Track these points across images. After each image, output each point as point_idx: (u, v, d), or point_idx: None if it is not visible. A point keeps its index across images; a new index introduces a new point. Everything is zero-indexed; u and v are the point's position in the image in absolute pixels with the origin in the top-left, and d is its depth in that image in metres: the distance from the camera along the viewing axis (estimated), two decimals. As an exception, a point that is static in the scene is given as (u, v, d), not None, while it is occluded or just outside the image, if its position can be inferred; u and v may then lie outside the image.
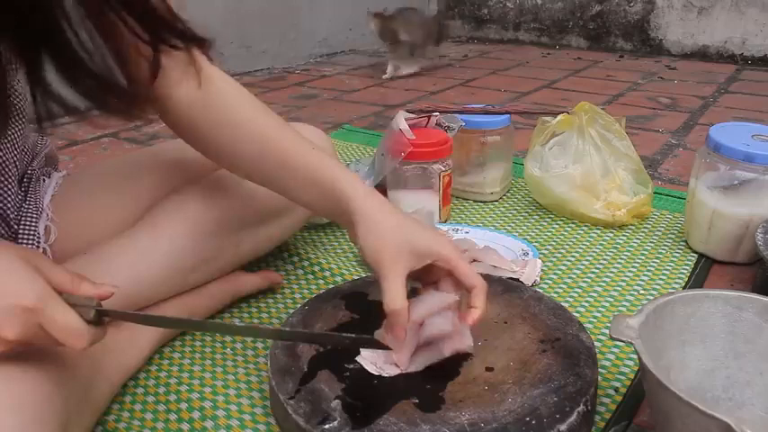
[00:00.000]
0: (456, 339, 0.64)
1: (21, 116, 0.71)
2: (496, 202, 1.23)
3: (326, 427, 0.57)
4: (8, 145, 0.70)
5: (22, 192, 0.75)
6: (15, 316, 0.49)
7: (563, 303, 0.79)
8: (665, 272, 0.96)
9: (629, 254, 1.01)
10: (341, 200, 0.65)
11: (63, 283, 0.53)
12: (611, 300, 0.89)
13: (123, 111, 0.59)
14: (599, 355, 0.71)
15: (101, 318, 0.54)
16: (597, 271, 0.96)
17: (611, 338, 0.59)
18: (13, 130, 0.70)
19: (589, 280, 0.94)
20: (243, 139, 0.69)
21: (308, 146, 0.69)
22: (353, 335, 0.63)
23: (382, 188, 1.13)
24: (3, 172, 0.69)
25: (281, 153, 0.68)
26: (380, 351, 0.64)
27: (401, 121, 1.08)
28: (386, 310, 0.60)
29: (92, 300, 0.54)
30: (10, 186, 0.71)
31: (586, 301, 0.88)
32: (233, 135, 0.69)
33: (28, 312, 0.49)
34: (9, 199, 0.71)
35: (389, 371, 0.64)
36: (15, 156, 0.72)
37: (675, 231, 1.09)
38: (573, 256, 1.01)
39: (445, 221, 1.13)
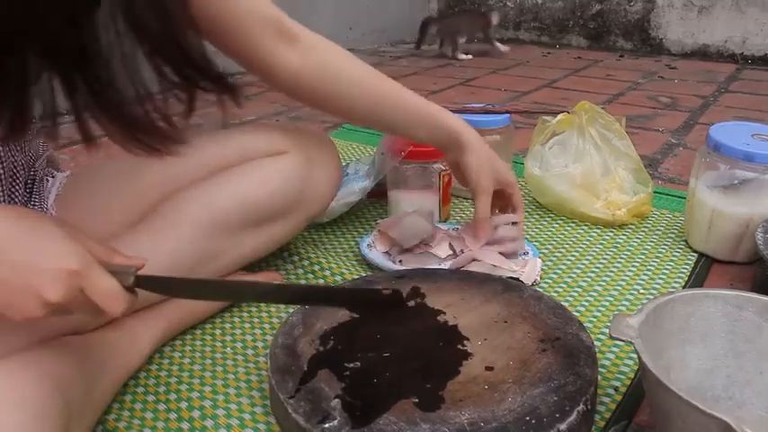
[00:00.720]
0: (518, 243, 0.96)
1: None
2: (496, 202, 1.23)
3: (326, 426, 0.57)
4: (17, 148, 0.70)
5: (26, 192, 0.75)
6: (59, 279, 0.50)
7: (563, 303, 0.79)
8: (664, 271, 0.96)
9: (629, 253, 1.01)
10: (451, 133, 0.88)
11: (99, 253, 0.55)
12: (611, 299, 0.89)
13: (149, 149, 0.59)
14: (599, 355, 0.71)
15: (136, 285, 0.56)
16: (597, 270, 0.96)
17: (611, 338, 0.59)
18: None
19: (589, 279, 0.94)
20: (356, 96, 0.84)
21: (409, 91, 0.87)
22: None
23: (382, 188, 1.13)
24: (12, 174, 0.70)
25: (393, 101, 0.86)
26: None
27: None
28: (474, 218, 0.93)
29: (129, 268, 0.56)
30: (18, 188, 0.71)
31: (586, 301, 0.88)
32: (347, 95, 0.83)
33: (72, 275, 0.51)
34: (17, 200, 0.71)
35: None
36: (23, 157, 0.72)
37: (675, 231, 1.09)
38: (573, 256, 1.01)
39: (445, 220, 1.13)
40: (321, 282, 0.94)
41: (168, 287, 0.63)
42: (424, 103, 0.87)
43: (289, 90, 0.81)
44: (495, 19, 2.89)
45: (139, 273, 0.57)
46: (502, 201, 0.95)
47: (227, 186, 0.80)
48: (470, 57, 2.90)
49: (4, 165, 0.65)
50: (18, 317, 0.50)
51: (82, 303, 0.52)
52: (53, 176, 0.81)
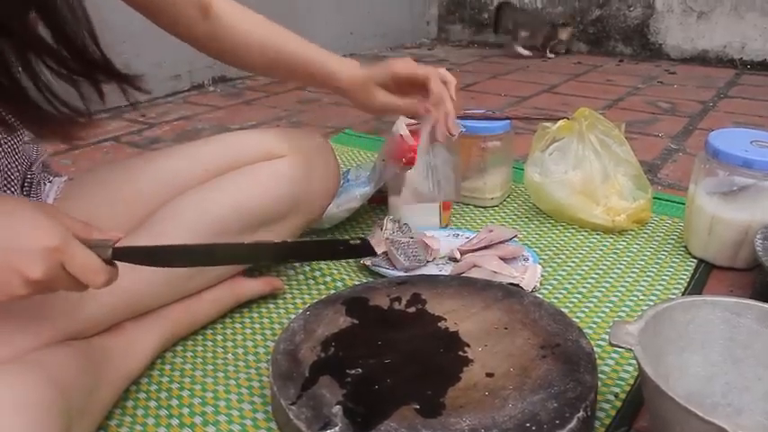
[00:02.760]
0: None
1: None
2: (497, 208, 1.23)
3: (328, 432, 0.58)
4: (10, 150, 0.71)
5: (23, 196, 0.75)
6: (39, 257, 0.52)
7: (563, 309, 0.79)
8: (664, 277, 0.96)
9: (628, 259, 1.02)
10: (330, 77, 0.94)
11: (77, 230, 0.57)
12: (611, 305, 0.89)
13: (59, 137, 0.60)
14: (599, 361, 0.71)
15: (114, 258, 0.58)
16: (597, 276, 0.97)
17: (611, 345, 0.59)
18: (15, 137, 0.71)
19: (589, 285, 0.94)
20: (256, 55, 0.93)
21: (300, 41, 0.96)
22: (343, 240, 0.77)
23: (383, 194, 1.13)
24: (6, 176, 0.70)
25: (288, 59, 0.94)
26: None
27: (402, 126, 1.08)
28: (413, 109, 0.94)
29: (107, 241, 0.58)
30: (13, 190, 0.71)
31: (586, 307, 0.89)
32: (247, 55, 0.93)
33: (51, 252, 0.53)
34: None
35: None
36: (17, 160, 0.72)
37: (675, 237, 1.10)
38: (573, 262, 1.01)
39: (445, 227, 1.13)
40: (322, 288, 0.94)
41: (147, 256, 0.63)
42: (318, 55, 0.96)
43: (200, 49, 0.91)
44: (564, 34, 2.94)
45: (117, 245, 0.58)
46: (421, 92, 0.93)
47: (225, 191, 0.80)
48: (530, 54, 2.94)
49: None
50: (2, 297, 0.53)
51: (64, 279, 0.54)
52: (50, 181, 0.81)
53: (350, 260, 1.02)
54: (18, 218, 0.54)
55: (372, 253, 0.66)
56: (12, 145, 0.71)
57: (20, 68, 0.54)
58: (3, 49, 0.52)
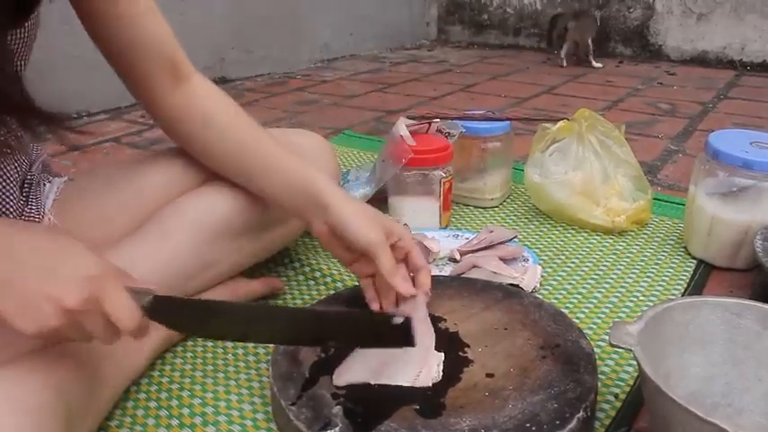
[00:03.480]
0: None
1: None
2: (497, 208, 1.23)
3: (328, 432, 0.57)
4: (8, 153, 0.70)
5: (23, 197, 0.75)
6: (78, 285, 0.51)
7: (563, 309, 0.79)
8: (664, 278, 0.96)
9: (628, 260, 1.02)
10: (319, 197, 0.73)
11: (115, 273, 0.55)
12: (611, 306, 0.89)
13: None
14: (599, 362, 0.71)
15: (150, 308, 0.55)
16: (597, 277, 0.97)
17: (611, 345, 0.59)
18: (12, 135, 0.71)
19: (589, 286, 0.94)
20: (230, 152, 0.78)
21: (284, 149, 0.78)
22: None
23: (383, 195, 1.13)
24: (5, 177, 0.70)
25: (260, 156, 0.78)
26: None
27: (402, 127, 1.08)
28: (387, 275, 0.70)
29: (145, 290, 0.56)
30: (12, 191, 0.71)
31: (586, 308, 0.89)
32: (220, 149, 0.78)
33: (91, 282, 0.51)
34: (11, 203, 0.71)
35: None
36: (16, 160, 0.72)
37: (675, 237, 1.10)
38: (573, 263, 1.01)
39: (445, 227, 1.13)
40: (322, 288, 0.94)
41: (186, 309, 0.61)
42: (295, 163, 0.77)
43: (166, 129, 0.80)
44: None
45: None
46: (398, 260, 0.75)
47: (225, 192, 0.80)
48: (602, 66, 2.77)
49: None
50: (31, 326, 0.50)
51: (95, 318, 0.52)
52: (50, 181, 0.81)
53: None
54: (59, 246, 0.54)
55: (410, 341, 0.62)
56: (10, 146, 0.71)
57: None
58: None
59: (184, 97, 0.77)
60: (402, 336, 0.62)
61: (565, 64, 2.78)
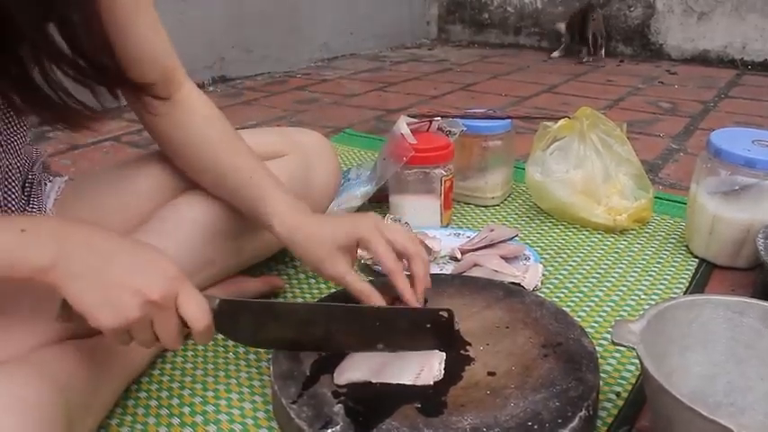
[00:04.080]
0: None
1: (23, 124, 0.72)
2: (498, 207, 1.23)
3: (329, 431, 0.57)
4: (12, 151, 0.70)
5: (24, 196, 0.75)
6: (161, 279, 0.55)
7: (564, 308, 0.79)
8: (666, 277, 0.96)
9: (630, 259, 1.02)
10: (264, 218, 0.73)
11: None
12: (613, 304, 0.89)
13: (69, 126, 0.63)
14: (600, 360, 0.71)
15: (220, 311, 0.60)
16: (598, 276, 0.96)
17: (614, 343, 0.59)
18: (17, 136, 0.71)
19: (590, 285, 0.94)
20: (206, 162, 0.77)
21: (251, 162, 0.76)
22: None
23: (384, 193, 1.13)
24: (8, 177, 0.70)
25: (227, 168, 0.76)
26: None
27: (403, 125, 1.08)
28: (361, 299, 0.69)
29: (213, 296, 0.60)
30: (14, 191, 0.71)
31: (588, 306, 0.88)
32: (197, 158, 0.78)
33: (172, 279, 0.55)
34: (13, 203, 0.71)
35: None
36: (18, 161, 0.72)
37: (676, 236, 1.09)
38: (574, 261, 1.01)
39: (447, 226, 1.13)
40: (323, 287, 0.94)
41: (253, 312, 0.65)
42: (256, 187, 0.75)
43: (150, 132, 0.79)
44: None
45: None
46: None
47: None
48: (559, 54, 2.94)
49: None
50: (111, 318, 0.53)
51: (169, 314, 0.55)
52: (51, 181, 0.81)
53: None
54: (142, 248, 0.58)
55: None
56: (14, 145, 0.71)
57: (34, 67, 0.56)
58: (16, 45, 0.55)
59: (172, 111, 0.76)
60: (445, 333, 0.66)
61: (586, 59, 2.84)
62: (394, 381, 0.64)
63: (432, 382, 0.64)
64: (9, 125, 0.70)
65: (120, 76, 0.61)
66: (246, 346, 0.73)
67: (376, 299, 0.69)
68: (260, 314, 0.66)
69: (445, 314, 0.66)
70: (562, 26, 2.93)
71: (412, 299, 0.69)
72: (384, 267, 0.70)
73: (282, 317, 0.67)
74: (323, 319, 0.67)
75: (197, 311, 0.56)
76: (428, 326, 0.67)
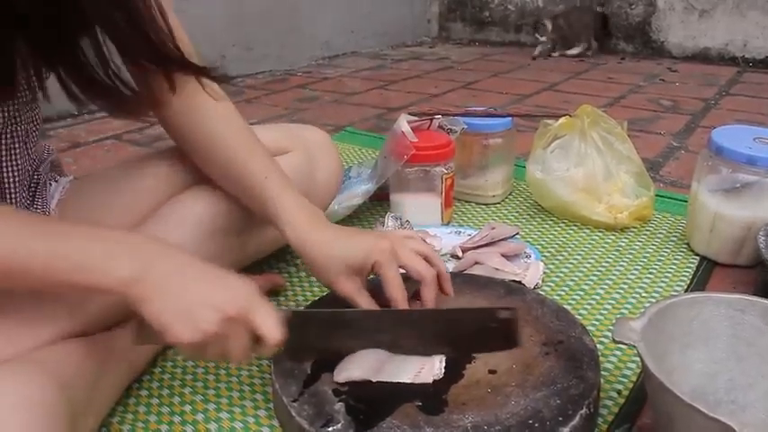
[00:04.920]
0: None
1: (37, 124, 0.72)
2: (498, 205, 1.23)
3: (330, 429, 0.57)
4: (24, 150, 0.70)
5: (29, 196, 0.75)
6: (237, 296, 0.57)
7: (565, 306, 0.79)
8: (667, 274, 0.96)
9: (631, 257, 1.01)
10: (278, 227, 0.73)
11: None
12: (614, 302, 0.89)
13: (125, 114, 0.67)
14: (601, 358, 0.71)
15: (289, 322, 0.60)
16: (599, 274, 0.96)
17: (615, 341, 0.59)
18: (31, 137, 0.71)
19: (591, 283, 0.94)
20: (214, 154, 0.77)
21: (265, 162, 0.75)
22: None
23: (385, 191, 1.13)
24: (20, 178, 0.70)
25: (239, 166, 0.76)
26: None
27: (404, 123, 1.08)
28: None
29: (281, 310, 0.61)
30: (22, 191, 0.71)
31: (588, 304, 0.88)
32: (206, 150, 0.77)
33: (249, 296, 0.58)
34: (20, 203, 0.72)
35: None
36: (28, 160, 0.72)
37: (677, 234, 1.09)
38: (575, 259, 1.01)
39: (447, 224, 1.13)
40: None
41: (324, 322, 0.66)
42: (269, 191, 0.74)
43: (168, 128, 0.79)
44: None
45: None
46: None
47: None
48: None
49: (14, 171, 0.66)
50: (188, 332, 0.55)
51: (242, 330, 0.57)
52: (56, 181, 0.81)
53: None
54: (215, 267, 0.59)
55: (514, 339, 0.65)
56: (26, 146, 0.71)
57: (93, 50, 0.58)
58: (80, 32, 0.57)
59: (183, 97, 0.75)
60: (509, 332, 0.65)
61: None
62: (393, 379, 0.64)
63: (431, 381, 0.64)
64: (31, 127, 0.70)
65: (185, 60, 0.63)
66: (307, 359, 0.69)
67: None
68: (328, 324, 0.67)
69: (508, 313, 0.66)
70: (548, 24, 2.92)
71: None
72: (390, 296, 0.69)
73: (350, 325, 0.67)
74: (390, 325, 0.67)
75: (273, 326, 0.58)
76: (494, 326, 0.67)
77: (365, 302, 0.69)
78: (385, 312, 0.69)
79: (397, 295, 0.68)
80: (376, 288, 0.70)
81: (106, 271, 0.54)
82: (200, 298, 0.56)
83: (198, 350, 0.57)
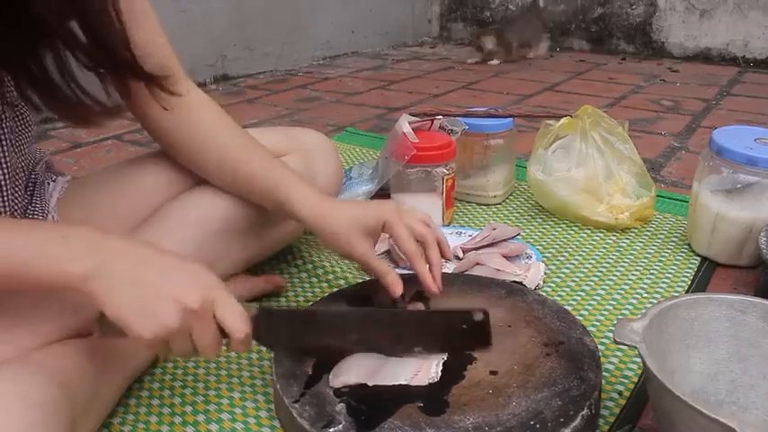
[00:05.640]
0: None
1: (28, 124, 0.72)
2: (499, 205, 1.23)
3: (331, 430, 0.57)
4: (17, 150, 0.70)
5: (27, 196, 0.75)
6: (199, 288, 0.56)
7: (566, 307, 0.79)
8: (668, 275, 0.96)
9: (632, 257, 1.01)
10: (289, 208, 0.74)
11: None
12: (615, 303, 0.89)
13: (85, 123, 0.64)
14: (602, 359, 0.71)
15: (258, 318, 0.60)
16: (600, 274, 0.96)
17: (616, 342, 0.59)
18: (23, 136, 0.71)
19: (592, 283, 0.94)
20: (212, 158, 0.77)
21: (263, 155, 0.77)
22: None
23: (386, 192, 1.13)
24: (13, 177, 0.70)
25: (236, 162, 0.77)
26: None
27: (405, 124, 1.08)
28: (384, 281, 0.72)
29: (248, 306, 0.61)
30: (18, 191, 0.71)
31: (589, 305, 0.88)
32: (203, 155, 0.78)
33: (210, 288, 0.56)
34: (17, 203, 0.71)
35: None
36: (23, 160, 0.72)
37: (678, 234, 1.09)
38: (576, 260, 1.01)
39: (448, 224, 1.13)
40: (324, 286, 0.94)
41: (292, 320, 0.67)
42: (274, 176, 0.76)
43: (153, 133, 0.79)
44: (489, 43, 2.78)
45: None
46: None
47: None
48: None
49: (4, 170, 0.66)
50: (149, 328, 0.54)
51: (207, 323, 0.56)
52: (54, 180, 0.81)
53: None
54: (180, 258, 0.58)
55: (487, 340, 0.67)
56: (19, 145, 0.71)
57: (51, 58, 0.57)
58: (37, 42, 0.57)
59: (178, 116, 0.76)
60: (481, 333, 0.66)
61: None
62: (389, 383, 0.64)
63: (426, 383, 0.63)
64: (18, 125, 0.70)
65: (138, 66, 0.62)
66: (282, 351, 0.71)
67: (395, 280, 0.72)
68: (297, 322, 0.67)
69: (480, 315, 0.67)
70: (489, 39, 2.79)
71: (430, 283, 0.73)
72: (403, 250, 0.73)
73: (320, 324, 0.67)
74: (360, 324, 0.68)
75: (236, 320, 0.57)
76: (464, 327, 0.68)
77: (381, 265, 0.73)
78: (354, 312, 0.72)
79: (410, 248, 0.72)
80: (379, 286, 0.71)
81: (60, 270, 0.53)
82: (159, 292, 0.54)
83: (162, 345, 0.56)
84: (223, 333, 0.58)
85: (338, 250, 0.74)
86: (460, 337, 0.68)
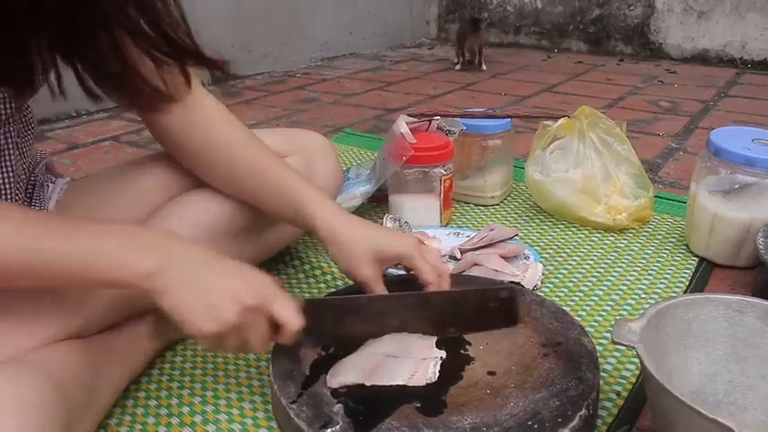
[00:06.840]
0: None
1: (31, 126, 0.72)
2: (497, 206, 1.23)
3: (328, 431, 0.57)
4: (19, 152, 0.70)
5: (27, 197, 0.75)
6: (255, 286, 0.59)
7: (564, 307, 0.79)
8: (666, 276, 0.96)
9: (629, 258, 1.01)
10: (305, 217, 0.74)
11: None
12: (613, 303, 0.89)
13: (140, 108, 0.69)
14: (600, 359, 0.71)
15: (304, 311, 0.62)
16: (598, 275, 0.96)
17: (614, 342, 0.59)
18: (24, 138, 0.71)
19: (590, 284, 0.94)
20: (221, 162, 0.77)
21: (275, 159, 0.77)
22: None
23: (383, 192, 1.13)
24: (14, 179, 0.70)
25: (247, 164, 0.77)
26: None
27: (402, 125, 1.08)
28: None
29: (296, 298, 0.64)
30: (19, 193, 0.71)
31: (587, 305, 0.88)
32: (213, 158, 0.77)
33: (267, 286, 0.60)
34: (16, 202, 0.71)
35: None
36: (24, 162, 0.72)
37: (676, 235, 1.09)
38: (574, 260, 1.01)
39: (446, 225, 1.13)
40: (322, 286, 0.94)
41: (339, 309, 0.70)
42: (292, 183, 0.75)
43: (159, 133, 0.78)
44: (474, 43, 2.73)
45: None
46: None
47: None
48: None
49: (10, 172, 0.66)
50: (208, 323, 0.56)
51: (261, 319, 0.59)
52: (53, 182, 0.81)
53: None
54: (235, 263, 0.61)
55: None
56: (22, 147, 0.71)
57: (110, 47, 0.59)
58: (97, 31, 0.58)
59: (183, 108, 0.74)
60: (508, 310, 0.70)
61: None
62: (386, 383, 0.64)
63: (424, 383, 0.63)
64: (22, 127, 0.70)
65: (199, 51, 0.63)
66: (321, 344, 0.71)
67: None
68: (339, 310, 0.69)
69: (506, 292, 0.70)
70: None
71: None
72: (424, 279, 0.72)
73: (360, 311, 0.70)
74: (398, 309, 0.71)
75: (292, 314, 0.60)
76: (493, 305, 0.70)
77: (382, 290, 0.72)
78: (392, 297, 0.72)
79: (433, 279, 0.72)
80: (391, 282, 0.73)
81: (125, 266, 0.56)
82: (218, 289, 0.57)
83: (217, 341, 0.58)
84: (272, 329, 0.61)
85: (344, 269, 0.74)
86: (491, 314, 0.71)
